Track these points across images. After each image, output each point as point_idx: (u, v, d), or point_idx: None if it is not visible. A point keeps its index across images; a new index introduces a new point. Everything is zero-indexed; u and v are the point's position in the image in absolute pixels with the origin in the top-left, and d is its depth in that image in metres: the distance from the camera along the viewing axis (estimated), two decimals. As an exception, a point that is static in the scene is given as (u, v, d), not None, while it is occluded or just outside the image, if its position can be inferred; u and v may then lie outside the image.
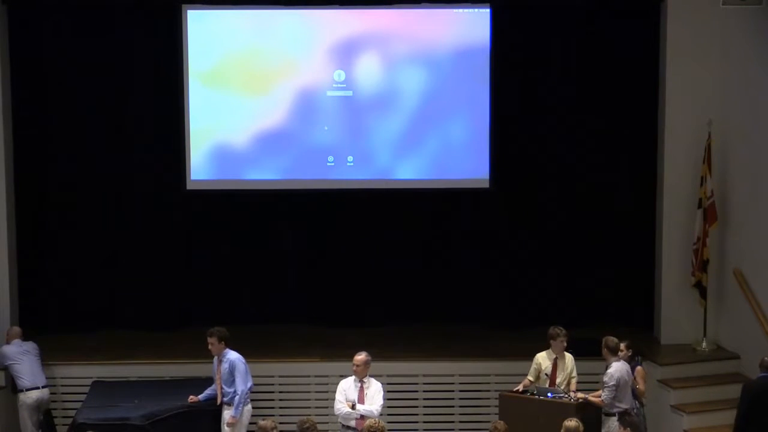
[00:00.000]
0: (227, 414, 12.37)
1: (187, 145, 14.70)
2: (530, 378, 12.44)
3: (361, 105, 14.73)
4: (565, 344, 12.35)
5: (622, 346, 12.26)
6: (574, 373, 12.34)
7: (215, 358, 12.51)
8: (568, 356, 12.39)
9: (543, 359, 12.42)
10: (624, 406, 11.85)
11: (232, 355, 12.42)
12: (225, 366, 12.37)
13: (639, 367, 12.41)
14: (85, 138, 14.77)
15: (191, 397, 12.61)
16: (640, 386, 12.30)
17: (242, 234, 15.09)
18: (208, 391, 12.62)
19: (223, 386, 12.40)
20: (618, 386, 11.86)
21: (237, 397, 12.31)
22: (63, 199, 14.85)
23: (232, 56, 14.66)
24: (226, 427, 12.31)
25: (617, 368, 11.94)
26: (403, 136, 14.77)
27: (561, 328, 12.37)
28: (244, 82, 14.66)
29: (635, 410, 12.23)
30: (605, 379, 11.95)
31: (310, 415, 11.19)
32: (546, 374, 12.35)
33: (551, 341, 12.33)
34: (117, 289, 15.10)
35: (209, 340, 12.38)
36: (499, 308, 15.10)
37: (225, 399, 12.40)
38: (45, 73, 14.66)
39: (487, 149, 14.76)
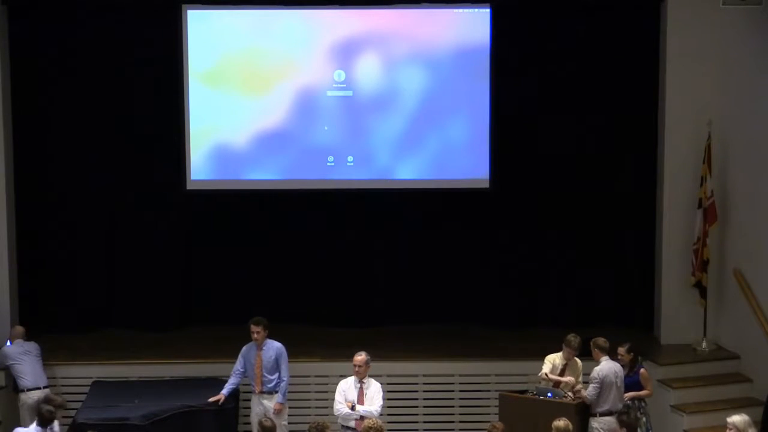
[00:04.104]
0: (267, 402, 12.40)
1: (187, 145, 14.70)
2: (546, 372, 12.33)
3: (361, 105, 14.73)
4: (576, 354, 12.32)
5: (623, 350, 12.27)
6: (581, 379, 12.33)
7: (248, 348, 12.52)
8: (579, 363, 12.36)
9: (557, 360, 12.34)
10: (606, 406, 11.84)
11: (277, 344, 12.54)
12: (270, 354, 12.45)
13: (642, 370, 12.41)
14: (84, 138, 14.77)
15: (214, 397, 12.59)
16: (647, 388, 12.31)
17: (242, 234, 15.09)
18: (229, 386, 12.63)
19: (265, 374, 12.43)
20: (602, 384, 11.86)
21: (284, 384, 12.44)
22: (63, 199, 14.86)
23: (232, 56, 14.66)
24: (272, 414, 12.28)
25: (604, 367, 11.94)
26: (403, 136, 14.77)
27: (577, 337, 12.30)
28: (244, 82, 14.66)
29: (641, 410, 12.23)
30: (592, 375, 11.98)
31: (317, 416, 11.22)
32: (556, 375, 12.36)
33: (565, 347, 12.27)
34: (116, 289, 15.12)
35: (256, 328, 12.45)
36: (499, 308, 15.09)
37: (266, 387, 12.44)
38: (45, 73, 14.66)
39: (487, 149, 14.76)
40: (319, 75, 14.66)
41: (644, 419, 12.30)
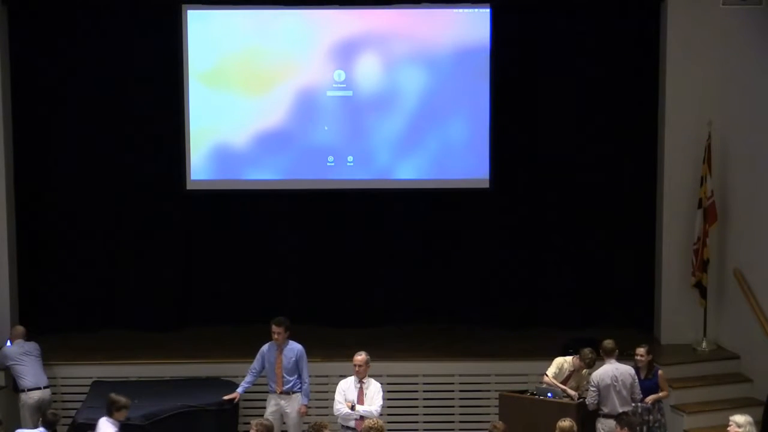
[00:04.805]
0: (285, 402, 12.43)
1: (187, 145, 14.71)
2: (551, 374, 12.29)
3: (361, 105, 14.73)
4: (585, 367, 12.28)
5: (642, 351, 12.21)
6: (585, 384, 12.31)
7: (269, 348, 12.52)
8: (586, 373, 12.28)
9: (566, 365, 12.28)
10: (605, 409, 11.79)
11: (298, 345, 12.54)
12: (290, 355, 12.46)
13: (660, 372, 12.37)
14: (85, 138, 14.77)
15: (229, 396, 12.63)
16: (664, 390, 12.29)
17: (242, 234, 15.09)
18: (245, 384, 12.65)
19: (285, 375, 12.45)
20: (598, 390, 11.84)
21: (306, 386, 12.48)
22: (63, 199, 14.86)
23: (232, 56, 14.66)
24: (293, 416, 12.40)
25: (600, 371, 11.91)
26: (403, 136, 14.77)
27: (594, 354, 12.21)
28: (244, 82, 14.66)
29: (660, 412, 12.17)
30: (590, 380, 11.98)
31: (317, 416, 11.25)
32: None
33: (580, 359, 12.19)
34: (117, 289, 15.11)
35: (277, 329, 12.43)
36: (499, 308, 15.09)
37: (285, 387, 12.44)
38: (45, 73, 14.66)
39: (487, 149, 14.76)
40: (319, 75, 14.66)
41: (663, 420, 12.28)
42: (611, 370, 11.91)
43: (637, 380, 12.00)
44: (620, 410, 11.69)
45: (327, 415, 12.33)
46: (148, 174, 14.87)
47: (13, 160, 14.46)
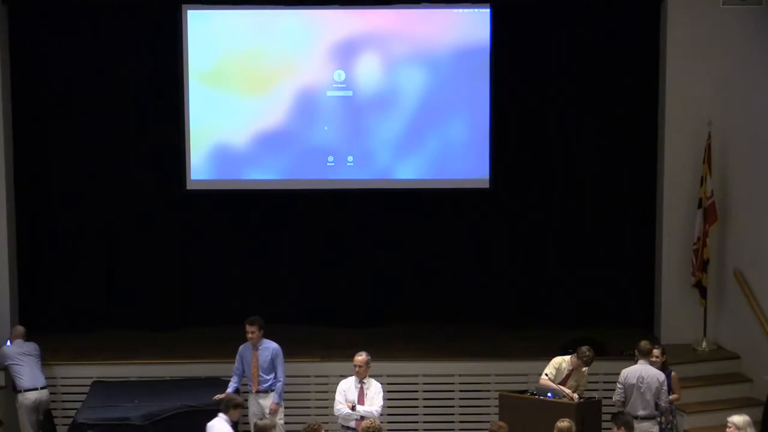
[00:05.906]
0: (264, 401, 12.44)
1: (187, 145, 14.71)
2: (549, 374, 12.26)
3: (361, 105, 14.73)
4: (584, 366, 12.26)
5: (658, 352, 12.16)
6: (584, 387, 12.27)
7: (244, 348, 12.55)
8: (585, 371, 12.26)
9: (564, 364, 12.23)
10: (626, 409, 11.73)
11: (273, 344, 12.56)
12: (265, 354, 12.47)
13: (673, 374, 12.32)
14: (85, 138, 14.77)
15: (220, 395, 12.58)
16: (676, 392, 12.24)
17: (242, 234, 15.10)
18: (233, 385, 12.62)
19: (261, 374, 12.46)
20: (624, 388, 11.84)
21: (280, 384, 12.47)
22: (63, 200, 14.87)
23: (232, 56, 14.67)
24: (268, 414, 12.36)
25: (629, 370, 11.87)
26: (403, 136, 14.77)
27: (592, 353, 12.19)
28: (244, 82, 14.67)
29: (672, 414, 12.11)
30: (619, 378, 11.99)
31: (317, 416, 11.23)
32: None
33: (578, 357, 12.12)
34: (117, 289, 15.11)
35: (251, 328, 12.46)
36: (499, 308, 15.09)
37: (262, 387, 12.46)
38: (45, 72, 14.67)
39: (487, 149, 14.76)
40: (319, 75, 14.66)
41: (675, 421, 12.26)
42: (639, 370, 11.85)
43: (666, 386, 11.87)
44: (640, 412, 11.67)
45: (327, 415, 12.33)
46: (149, 174, 14.88)
47: (13, 160, 14.46)
